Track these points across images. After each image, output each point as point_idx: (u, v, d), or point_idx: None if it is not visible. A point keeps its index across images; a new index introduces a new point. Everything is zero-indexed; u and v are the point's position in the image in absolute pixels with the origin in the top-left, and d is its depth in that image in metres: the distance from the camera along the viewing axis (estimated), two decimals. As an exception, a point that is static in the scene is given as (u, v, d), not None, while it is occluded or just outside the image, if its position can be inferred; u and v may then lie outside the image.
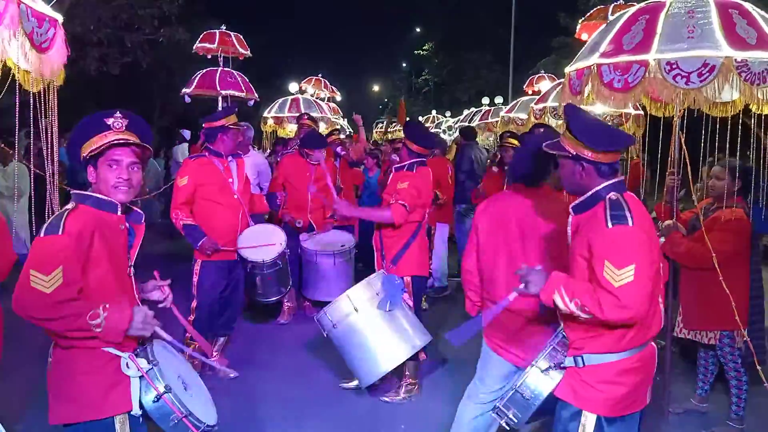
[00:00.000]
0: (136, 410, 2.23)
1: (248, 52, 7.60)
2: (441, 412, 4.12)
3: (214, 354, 4.68)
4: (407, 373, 4.32)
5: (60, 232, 2.06)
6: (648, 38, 3.41)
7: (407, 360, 4.19)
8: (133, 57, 12.35)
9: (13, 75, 3.18)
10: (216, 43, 7.11)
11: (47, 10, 3.18)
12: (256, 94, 7.27)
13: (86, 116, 2.34)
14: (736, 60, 3.24)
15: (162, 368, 2.24)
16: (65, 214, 2.13)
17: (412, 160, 4.24)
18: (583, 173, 2.34)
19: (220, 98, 6.71)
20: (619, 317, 2.16)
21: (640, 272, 2.14)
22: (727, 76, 3.25)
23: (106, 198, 2.23)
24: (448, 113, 22.77)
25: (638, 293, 2.15)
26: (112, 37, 11.58)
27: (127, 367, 2.21)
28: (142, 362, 2.22)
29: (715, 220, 3.79)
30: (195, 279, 4.45)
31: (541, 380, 2.41)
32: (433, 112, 24.30)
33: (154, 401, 2.22)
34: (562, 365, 2.40)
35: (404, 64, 42.52)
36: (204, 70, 7.12)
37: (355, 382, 4.27)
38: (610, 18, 4.26)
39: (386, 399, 4.29)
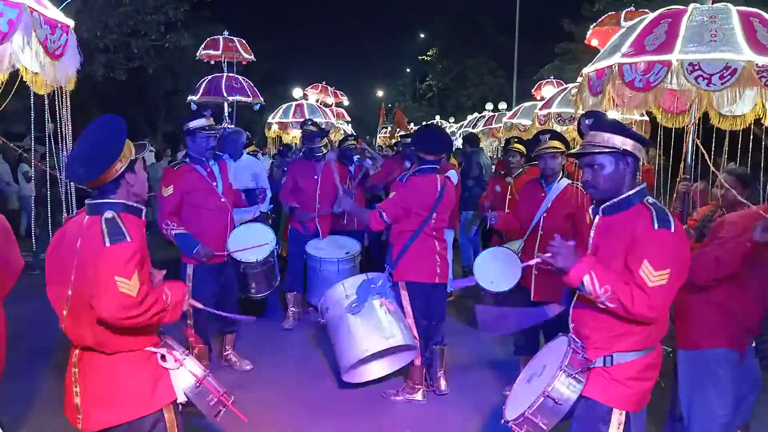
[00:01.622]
0: (181, 398, 2.38)
1: (252, 56, 7.64)
2: (444, 417, 4.15)
3: (228, 348, 4.85)
4: (410, 376, 4.41)
5: (129, 239, 2.20)
6: (671, 39, 3.47)
7: (411, 364, 4.34)
8: (140, 63, 12.43)
9: (23, 80, 3.23)
10: (220, 49, 7.16)
11: (59, 16, 3.23)
12: (261, 98, 7.30)
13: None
14: (757, 65, 3.29)
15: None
16: (118, 221, 2.24)
17: (418, 168, 4.31)
18: (627, 170, 2.42)
19: (226, 104, 6.75)
20: (643, 315, 2.24)
21: (672, 279, 2.24)
22: (748, 81, 3.30)
23: (133, 204, 2.37)
24: (452, 119, 22.80)
25: (665, 298, 2.25)
26: (119, 43, 11.67)
27: (164, 360, 2.37)
28: (177, 354, 2.40)
29: (720, 223, 3.79)
30: (189, 285, 4.42)
31: (569, 383, 2.42)
32: (437, 117, 24.34)
33: (196, 386, 2.38)
34: (590, 366, 2.43)
35: (408, 70, 42.64)
36: (209, 77, 7.16)
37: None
38: (623, 23, 4.31)
39: (384, 395, 4.39)
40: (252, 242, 4.57)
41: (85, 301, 2.19)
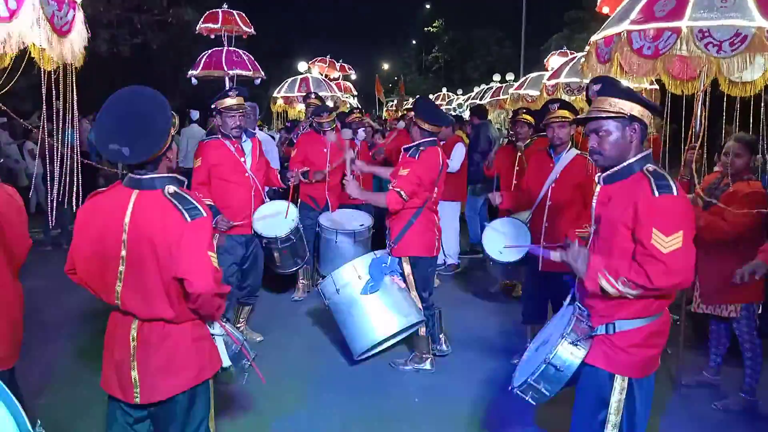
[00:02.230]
0: (226, 362, 2.46)
1: (252, 30, 7.54)
2: (452, 386, 4.20)
3: (242, 320, 4.96)
4: (417, 346, 4.47)
5: (204, 214, 2.24)
6: (681, 6, 3.43)
7: (416, 335, 4.41)
8: (143, 38, 12.35)
9: (29, 57, 3.22)
10: (219, 22, 7.07)
11: (66, -9, 3.20)
12: (262, 72, 7.24)
13: None
14: (767, 31, 3.24)
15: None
16: (187, 196, 2.26)
17: (422, 140, 4.30)
18: (633, 136, 2.40)
19: (227, 78, 6.70)
20: (668, 283, 2.22)
21: (687, 238, 2.22)
22: (759, 47, 3.27)
23: (179, 177, 2.38)
24: (459, 91, 22.58)
25: (686, 259, 2.22)
26: (122, 19, 11.59)
27: (212, 326, 2.44)
28: (221, 320, 2.48)
29: (733, 195, 3.80)
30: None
31: (572, 351, 2.44)
32: (444, 89, 24.12)
33: (235, 351, 2.50)
34: (592, 334, 2.44)
35: (414, 42, 42.12)
36: (209, 51, 7.09)
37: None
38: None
39: (393, 365, 4.46)
40: (276, 219, 4.70)
41: (158, 276, 2.20)
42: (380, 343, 4.47)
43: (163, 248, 2.19)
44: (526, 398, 2.56)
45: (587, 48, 4.30)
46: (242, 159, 4.62)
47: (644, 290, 2.26)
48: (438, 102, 22.21)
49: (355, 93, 18.20)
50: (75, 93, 3.67)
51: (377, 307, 4.19)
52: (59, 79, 3.54)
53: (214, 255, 2.23)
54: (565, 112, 4.29)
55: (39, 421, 1.57)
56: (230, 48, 7.02)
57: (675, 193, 2.26)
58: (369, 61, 38.16)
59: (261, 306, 5.68)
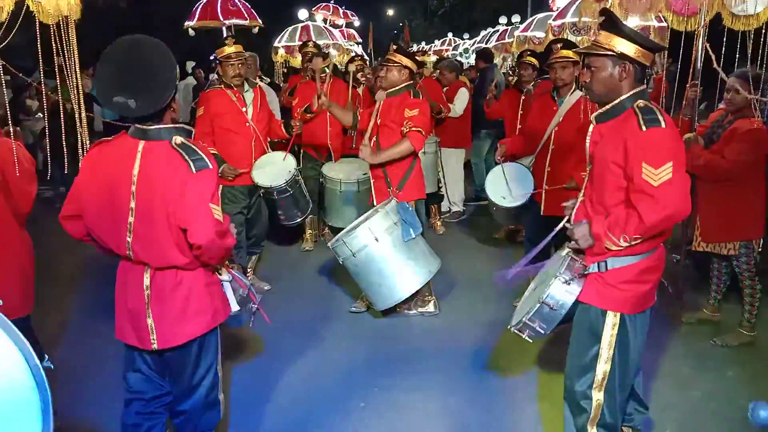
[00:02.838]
0: (235, 307, 2.53)
1: None
2: (456, 330, 4.31)
3: (249, 270, 5.06)
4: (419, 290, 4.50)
5: (211, 166, 2.25)
6: None
7: None
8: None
9: (27, 12, 3.21)
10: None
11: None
12: (260, 21, 7.09)
13: None
14: None
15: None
16: (192, 146, 2.25)
17: (410, 83, 4.35)
18: (624, 74, 2.38)
19: (224, 28, 6.59)
20: (659, 216, 2.22)
21: (677, 169, 2.21)
22: None
23: (185, 127, 2.39)
24: (466, 35, 22.09)
25: (677, 190, 2.22)
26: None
27: (220, 273, 2.50)
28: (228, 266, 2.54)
29: (733, 132, 3.76)
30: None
31: (565, 290, 2.50)
32: (450, 34, 23.59)
33: (242, 295, 2.57)
34: (584, 273, 2.49)
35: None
36: (204, 0, 6.92)
37: (362, 306, 4.58)
38: None
39: (399, 310, 4.51)
40: (273, 169, 4.71)
41: (167, 226, 2.22)
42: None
43: (170, 198, 2.20)
44: (523, 336, 2.64)
45: (588, -14, 4.21)
46: (243, 109, 4.64)
47: (644, 234, 2.28)
48: (444, 47, 21.79)
49: (360, 40, 17.85)
50: (75, 47, 3.67)
51: (401, 263, 4.10)
52: (59, 34, 3.54)
53: (217, 207, 2.23)
54: (569, 53, 4.22)
55: (46, 356, 1.65)
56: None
57: (662, 125, 2.25)
58: (374, 8, 37.29)
59: (270, 256, 5.81)
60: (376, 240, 4.00)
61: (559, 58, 4.25)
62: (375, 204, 4.35)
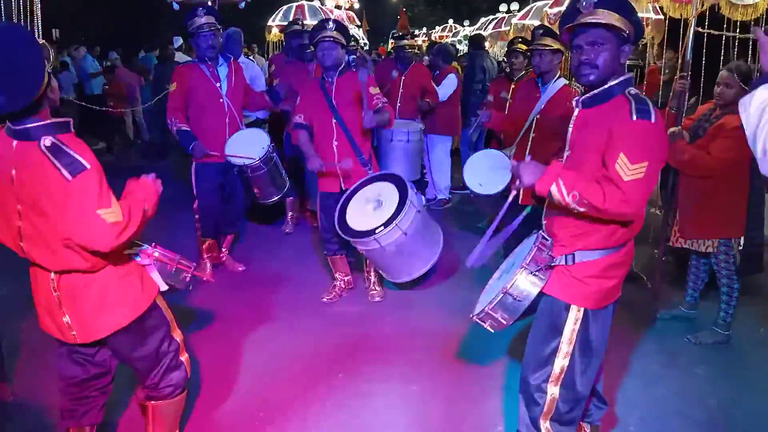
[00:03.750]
0: (163, 287, 2.47)
1: None
2: (427, 318, 4.24)
3: (223, 250, 5.00)
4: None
5: (88, 165, 2.05)
6: None
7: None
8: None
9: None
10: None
11: None
12: (246, -5, 6.96)
13: None
14: None
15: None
16: (64, 147, 2.05)
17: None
18: (623, 56, 2.25)
19: (209, 2, 6.44)
20: (618, 211, 2.13)
21: (650, 172, 2.12)
22: None
23: (61, 120, 2.15)
24: (466, 22, 21.90)
25: (642, 192, 2.13)
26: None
27: (138, 256, 2.42)
28: (147, 249, 2.45)
29: (720, 127, 3.66)
30: (193, 181, 4.65)
31: (530, 281, 2.41)
32: (450, 21, 23.40)
33: (171, 271, 2.51)
34: (551, 264, 2.40)
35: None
36: (190, -27, 6.77)
37: (334, 297, 4.52)
38: None
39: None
40: (246, 146, 4.56)
41: (56, 235, 2.09)
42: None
43: (48, 211, 2.04)
44: (485, 326, 2.55)
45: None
46: (218, 84, 4.50)
47: (593, 211, 2.17)
48: (444, 34, 21.62)
49: (359, 23, 17.68)
50: (39, 15, 3.55)
51: (422, 242, 3.97)
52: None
53: (107, 210, 2.04)
54: (549, 40, 4.12)
55: None
56: (212, -31, 6.71)
57: (652, 119, 2.13)
58: (376, -9, 36.91)
59: (247, 237, 5.73)
60: (405, 234, 3.82)
61: (539, 44, 4.14)
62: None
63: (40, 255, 2.18)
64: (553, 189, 2.20)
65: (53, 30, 12.91)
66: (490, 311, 2.47)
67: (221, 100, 4.52)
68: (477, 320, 2.55)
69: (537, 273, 2.40)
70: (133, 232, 2.16)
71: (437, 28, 25.14)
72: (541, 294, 2.44)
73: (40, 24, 3.45)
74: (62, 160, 1.99)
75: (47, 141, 2.01)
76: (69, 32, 12.75)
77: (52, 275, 2.22)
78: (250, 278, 4.88)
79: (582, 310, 2.38)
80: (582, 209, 2.19)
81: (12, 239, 2.20)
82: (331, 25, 4.01)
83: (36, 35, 3.46)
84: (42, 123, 2.05)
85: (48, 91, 2.08)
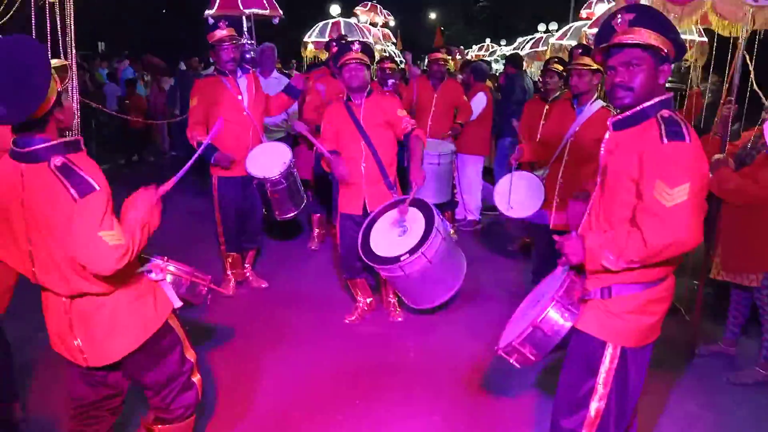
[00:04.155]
0: (177, 303, 2.41)
1: None
2: (452, 343, 4.10)
3: (246, 266, 4.94)
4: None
5: (96, 187, 2.03)
6: None
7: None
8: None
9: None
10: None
11: None
12: (280, 11, 6.98)
13: None
14: None
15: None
16: (74, 168, 2.03)
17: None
18: (662, 77, 2.12)
19: (244, 18, 6.49)
20: (664, 242, 1.97)
21: (695, 192, 1.96)
22: None
23: (71, 140, 2.15)
24: (503, 41, 21.81)
25: (692, 214, 1.96)
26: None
27: (151, 273, 2.37)
28: (159, 263, 2.41)
29: None
30: (215, 194, 4.63)
31: (562, 315, 2.26)
32: (488, 40, 23.31)
33: (186, 285, 2.47)
34: (585, 298, 2.27)
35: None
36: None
37: (357, 319, 4.41)
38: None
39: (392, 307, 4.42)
40: (269, 161, 4.51)
41: (65, 257, 2.07)
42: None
43: (58, 232, 2.02)
44: (510, 360, 2.40)
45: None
46: (239, 96, 4.48)
47: (645, 260, 2.04)
48: (480, 53, 21.51)
49: (394, 41, 17.71)
50: (72, 29, 3.54)
51: (445, 270, 3.89)
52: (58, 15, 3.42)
53: (110, 232, 1.99)
54: (588, 60, 3.98)
55: None
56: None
57: (686, 139, 1.98)
58: (414, 9, 37.07)
59: (272, 253, 5.68)
60: (430, 262, 3.72)
61: (577, 64, 4.01)
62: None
63: (51, 280, 2.16)
64: (606, 264, 2.11)
65: (99, 43, 13.26)
66: (517, 345, 2.33)
67: (244, 113, 4.50)
68: (502, 354, 2.41)
69: (570, 307, 2.25)
70: (134, 253, 2.10)
71: (474, 47, 25.08)
72: (573, 329, 2.29)
73: (73, 39, 3.44)
74: (72, 180, 1.98)
75: (58, 161, 2.00)
76: (115, 45, 13.06)
77: (64, 299, 2.20)
78: (273, 295, 4.82)
79: (619, 348, 2.23)
80: (636, 266, 2.08)
81: (24, 265, 2.18)
82: (356, 46, 3.98)
83: (69, 50, 3.46)
84: (51, 144, 2.02)
85: (56, 110, 2.05)
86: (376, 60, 7.59)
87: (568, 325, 2.25)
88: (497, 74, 10.55)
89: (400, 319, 4.38)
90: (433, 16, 45.72)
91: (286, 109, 5.01)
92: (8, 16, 3.23)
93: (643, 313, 2.21)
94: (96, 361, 2.27)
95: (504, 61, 9.36)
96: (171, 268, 2.45)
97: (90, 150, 7.96)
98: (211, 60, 4.56)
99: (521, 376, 3.60)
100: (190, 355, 2.53)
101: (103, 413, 2.47)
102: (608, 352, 2.24)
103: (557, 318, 2.25)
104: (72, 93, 3.51)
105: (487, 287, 4.98)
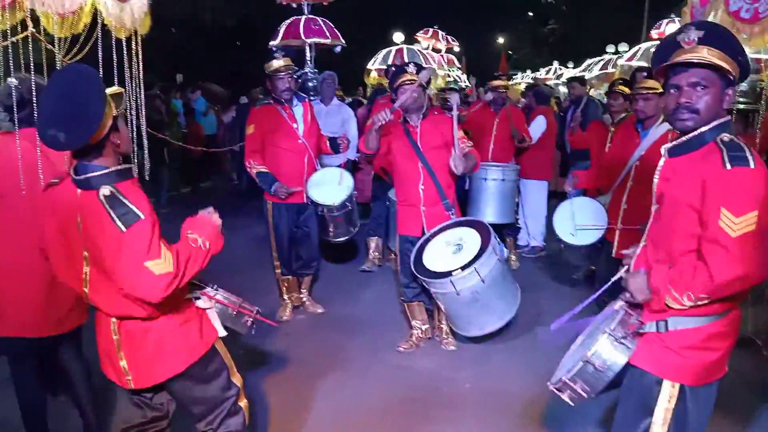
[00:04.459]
0: (222, 332, 2.44)
1: None
2: (510, 374, 3.96)
3: (302, 291, 4.97)
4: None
5: (142, 216, 2.08)
6: None
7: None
8: (246, 10, 12.67)
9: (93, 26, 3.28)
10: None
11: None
12: (342, 40, 7.12)
13: None
14: None
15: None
16: (120, 197, 2.09)
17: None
18: (724, 100, 2.01)
19: (306, 47, 6.67)
20: (731, 275, 1.86)
21: (764, 220, 1.85)
22: None
23: (122, 168, 2.23)
24: (570, 64, 21.43)
25: (757, 246, 1.85)
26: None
27: (199, 300, 2.41)
28: (209, 291, 2.45)
29: None
30: (270, 221, 4.69)
31: (615, 349, 2.15)
32: (555, 63, 22.99)
33: (233, 314, 2.50)
34: (640, 331, 2.14)
35: (530, 14, 40.36)
36: (289, 20, 7.05)
37: (410, 347, 4.30)
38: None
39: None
40: (330, 186, 4.61)
41: (113, 282, 2.13)
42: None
43: (106, 258, 2.08)
44: (563, 397, 2.30)
45: (684, 9, 3.82)
46: (294, 125, 4.56)
47: (713, 294, 1.92)
48: (546, 76, 21.21)
49: (459, 66, 17.74)
50: (140, 60, 3.71)
51: (497, 294, 3.77)
52: (128, 49, 3.59)
53: (156, 261, 2.03)
54: (653, 82, 3.82)
55: None
56: (309, 16, 6.95)
57: (751, 165, 1.86)
58: (482, 35, 37.06)
59: (329, 278, 5.72)
60: (483, 281, 3.65)
61: (643, 88, 3.85)
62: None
63: (101, 301, 2.23)
64: (670, 303, 2.02)
65: (177, 75, 13.98)
66: (568, 381, 2.22)
67: (299, 141, 4.57)
68: (554, 390, 2.30)
69: (623, 341, 2.13)
70: (185, 281, 2.14)
71: (541, 70, 24.78)
72: (627, 365, 2.16)
73: (141, 69, 3.60)
74: (117, 210, 2.03)
75: (106, 190, 2.06)
76: (191, 76, 13.68)
77: (113, 320, 2.26)
78: (329, 321, 4.82)
79: (677, 386, 2.08)
80: (704, 302, 1.96)
81: (78, 284, 2.26)
82: (411, 68, 3.98)
83: (138, 80, 3.62)
84: (102, 172, 2.10)
85: (112, 135, 2.12)
86: (440, 87, 7.61)
87: (622, 360, 2.13)
88: (563, 98, 10.33)
89: (453, 348, 4.27)
90: (501, 40, 45.59)
91: (321, 153, 5.06)
92: (83, 53, 3.40)
93: (704, 349, 2.06)
94: (139, 383, 2.32)
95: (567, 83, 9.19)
96: (219, 297, 2.48)
97: (161, 176, 8.35)
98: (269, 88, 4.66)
99: (581, 413, 3.40)
100: (237, 380, 2.54)
101: None
102: (665, 389, 2.09)
103: (609, 352, 2.13)
104: (138, 120, 3.68)
105: (548, 317, 4.79)
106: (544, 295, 5.43)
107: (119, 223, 2.02)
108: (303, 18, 6.90)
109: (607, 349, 2.14)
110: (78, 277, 2.23)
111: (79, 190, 2.13)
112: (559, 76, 20.04)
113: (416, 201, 4.03)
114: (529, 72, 28.16)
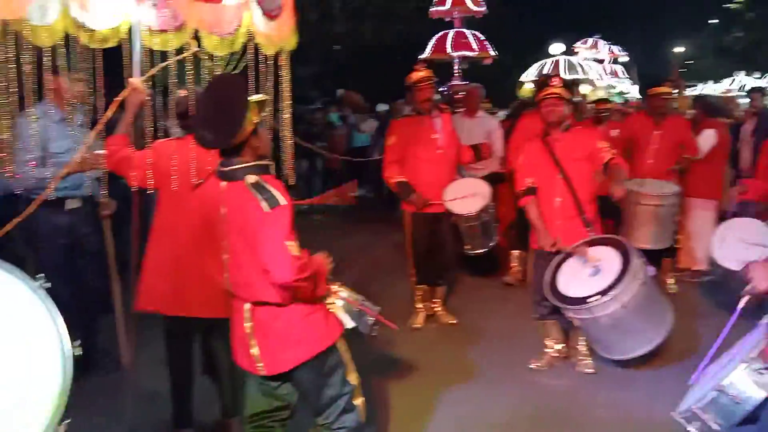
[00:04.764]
0: (349, 324, 2.56)
1: (484, 8, 7.33)
2: (646, 403, 3.62)
3: (435, 301, 4.99)
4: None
5: (284, 201, 2.30)
6: None
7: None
8: (401, 27, 13.04)
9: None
10: (448, 4, 7.02)
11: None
12: (491, 53, 7.05)
13: None
14: None
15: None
16: (265, 184, 2.31)
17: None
18: None
19: (455, 61, 6.71)
20: None
21: None
22: None
23: (265, 163, 2.44)
24: (756, 74, 19.32)
25: None
26: (384, 10, 12.44)
27: (328, 298, 2.54)
28: (334, 287, 2.58)
29: None
30: (406, 229, 4.78)
31: (754, 380, 1.95)
32: (741, 74, 20.85)
33: (356, 311, 2.59)
34: None
35: (710, 21, 36.94)
36: (439, 34, 7.16)
37: (543, 364, 4.13)
38: None
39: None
40: (467, 196, 4.61)
41: (252, 263, 2.34)
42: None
43: (250, 239, 2.28)
44: (690, 428, 2.10)
45: None
46: (434, 135, 4.59)
47: None
48: (729, 87, 19.29)
49: (627, 76, 16.78)
50: (287, 74, 3.96)
51: (642, 319, 3.61)
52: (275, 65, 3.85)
53: (292, 243, 2.24)
54: None
55: (79, 341, 1.78)
56: (458, 30, 7.00)
57: None
58: (659, 44, 34.73)
59: (464, 288, 5.72)
60: (624, 308, 3.48)
61: None
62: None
63: (238, 285, 2.45)
64: None
65: (337, 90, 14.79)
66: (697, 411, 2.04)
67: (438, 151, 4.60)
68: (680, 419, 2.10)
69: (764, 371, 1.89)
70: (308, 273, 2.29)
71: (725, 80, 22.59)
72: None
73: (288, 86, 3.84)
74: (263, 194, 2.27)
75: (252, 179, 2.30)
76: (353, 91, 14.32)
77: (247, 306, 2.44)
78: (461, 332, 4.79)
79: None
80: None
81: (218, 271, 2.53)
82: (555, 81, 3.92)
83: (279, 93, 3.86)
84: (247, 165, 2.35)
85: (252, 138, 2.36)
86: (593, 99, 7.27)
87: (761, 393, 1.91)
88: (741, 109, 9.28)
89: (590, 370, 4.01)
90: (681, 49, 42.20)
91: (471, 162, 5.02)
92: (237, 68, 3.72)
93: None
94: (270, 369, 2.46)
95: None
96: (342, 293, 2.59)
97: (315, 185, 8.83)
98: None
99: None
100: (353, 378, 2.61)
101: (273, 423, 2.65)
102: None
103: (746, 383, 1.94)
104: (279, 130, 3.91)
105: (705, 346, 4.31)
106: (703, 323, 4.88)
107: (264, 204, 2.24)
108: (452, 32, 6.98)
109: (743, 380, 1.96)
110: (219, 265, 2.49)
111: (223, 183, 2.39)
112: (741, 87, 18.16)
113: (551, 214, 3.90)
114: (711, 83, 25.81)
